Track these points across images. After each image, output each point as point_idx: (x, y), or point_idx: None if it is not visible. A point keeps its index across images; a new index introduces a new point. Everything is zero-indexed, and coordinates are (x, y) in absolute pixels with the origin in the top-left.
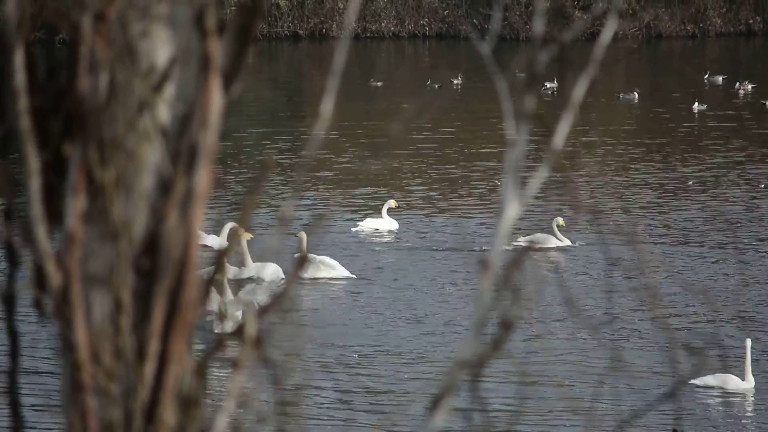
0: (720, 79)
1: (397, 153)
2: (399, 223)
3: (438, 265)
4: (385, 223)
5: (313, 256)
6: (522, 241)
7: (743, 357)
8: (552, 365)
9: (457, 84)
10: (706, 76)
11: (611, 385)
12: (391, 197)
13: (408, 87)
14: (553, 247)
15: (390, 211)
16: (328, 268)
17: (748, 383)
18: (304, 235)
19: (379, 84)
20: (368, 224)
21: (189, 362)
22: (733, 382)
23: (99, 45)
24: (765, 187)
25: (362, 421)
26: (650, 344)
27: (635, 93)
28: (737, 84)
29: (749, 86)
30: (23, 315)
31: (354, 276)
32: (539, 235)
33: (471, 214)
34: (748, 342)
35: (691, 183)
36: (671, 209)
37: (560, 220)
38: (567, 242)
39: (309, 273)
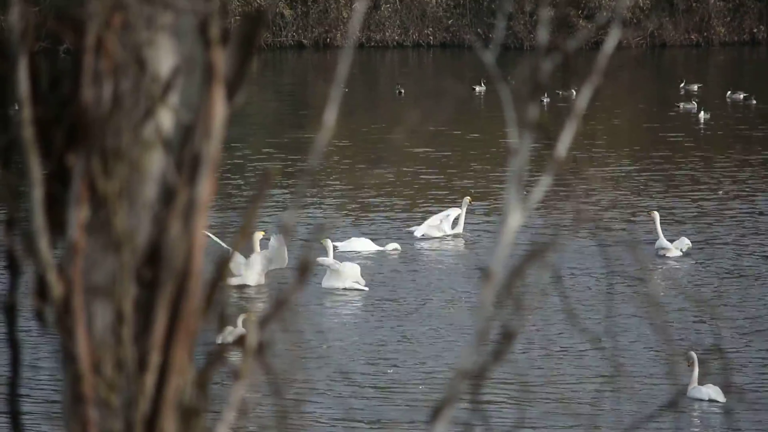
0: (695, 87)
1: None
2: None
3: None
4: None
5: (334, 262)
6: (677, 247)
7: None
8: (553, 374)
9: (479, 91)
10: (682, 84)
11: (612, 394)
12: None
13: (371, 93)
14: (675, 256)
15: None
16: (346, 276)
17: None
18: (329, 243)
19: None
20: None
21: (190, 373)
22: None
23: (103, 55)
24: (724, 193)
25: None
26: (652, 354)
27: (694, 103)
28: (728, 92)
29: (741, 95)
30: (24, 325)
31: (366, 288)
32: (662, 242)
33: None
34: (694, 354)
35: (721, 192)
36: (693, 220)
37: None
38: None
39: (328, 282)
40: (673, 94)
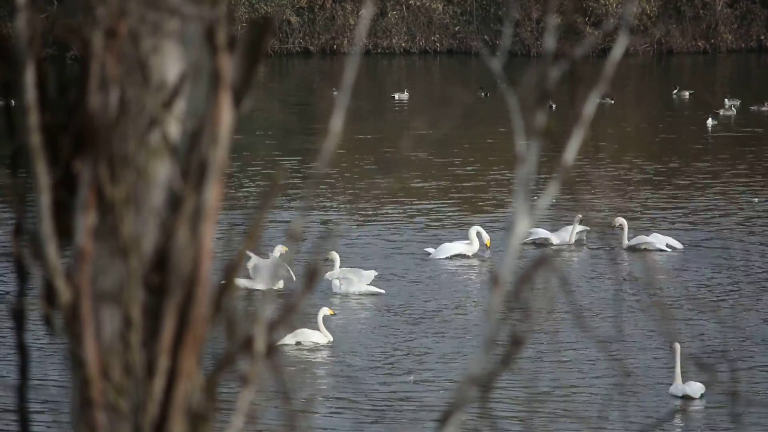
0: (687, 94)
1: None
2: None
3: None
4: (555, 237)
5: (347, 271)
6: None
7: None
8: (561, 381)
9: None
10: (675, 92)
11: (620, 400)
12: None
13: (367, 99)
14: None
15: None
16: (361, 281)
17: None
18: (336, 256)
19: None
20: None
21: (198, 378)
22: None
23: (110, 61)
24: (758, 202)
25: None
26: (659, 360)
27: (733, 110)
28: (725, 100)
29: (738, 102)
30: (33, 331)
31: (382, 291)
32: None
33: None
34: (677, 346)
35: (756, 200)
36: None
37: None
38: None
39: (341, 287)
40: (712, 102)
